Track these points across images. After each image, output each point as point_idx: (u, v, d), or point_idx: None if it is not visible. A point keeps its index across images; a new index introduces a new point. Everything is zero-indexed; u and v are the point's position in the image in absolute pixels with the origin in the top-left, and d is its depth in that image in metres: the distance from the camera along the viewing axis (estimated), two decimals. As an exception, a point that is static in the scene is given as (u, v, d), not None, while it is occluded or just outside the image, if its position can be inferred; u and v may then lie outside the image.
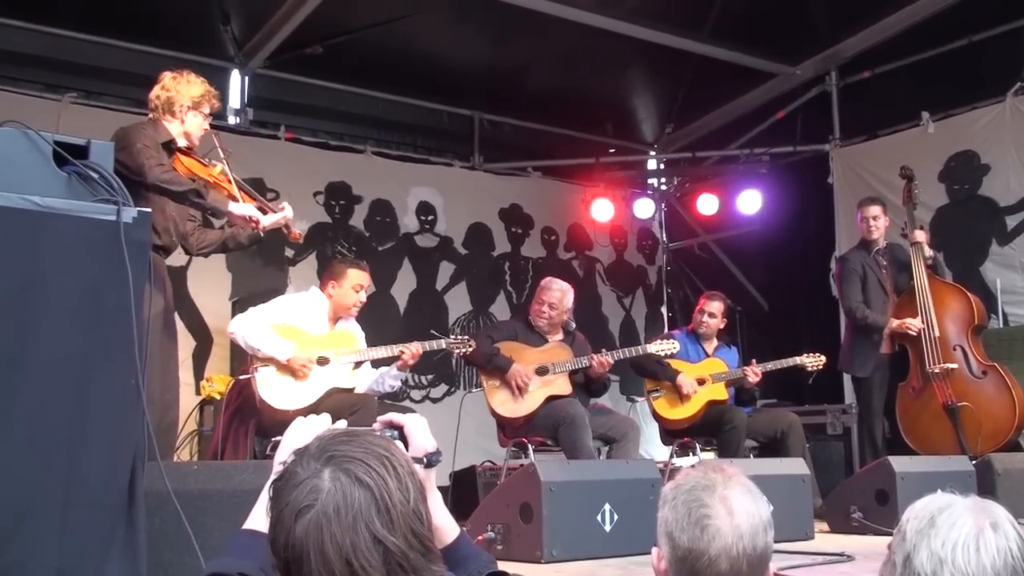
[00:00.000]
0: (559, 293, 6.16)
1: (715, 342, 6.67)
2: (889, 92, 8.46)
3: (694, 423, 6.32)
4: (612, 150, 10.07)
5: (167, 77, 4.48)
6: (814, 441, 7.14)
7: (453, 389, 8.72)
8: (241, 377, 5.06)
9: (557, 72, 8.78)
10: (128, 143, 4.09)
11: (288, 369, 4.93)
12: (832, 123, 8.90)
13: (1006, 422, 6.07)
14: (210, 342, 7.59)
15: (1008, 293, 7.47)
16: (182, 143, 4.43)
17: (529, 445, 5.80)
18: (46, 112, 6.81)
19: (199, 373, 7.43)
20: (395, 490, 1.38)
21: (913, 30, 7.89)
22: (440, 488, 1.87)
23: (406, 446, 1.75)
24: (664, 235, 10.78)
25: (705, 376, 6.39)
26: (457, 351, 5.62)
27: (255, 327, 4.96)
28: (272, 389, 4.89)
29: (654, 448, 7.70)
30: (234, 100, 8.13)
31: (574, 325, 6.27)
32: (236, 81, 8.12)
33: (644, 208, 10.25)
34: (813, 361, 6.49)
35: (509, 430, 5.99)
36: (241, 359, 5.46)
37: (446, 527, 1.81)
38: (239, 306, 6.56)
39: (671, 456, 6.49)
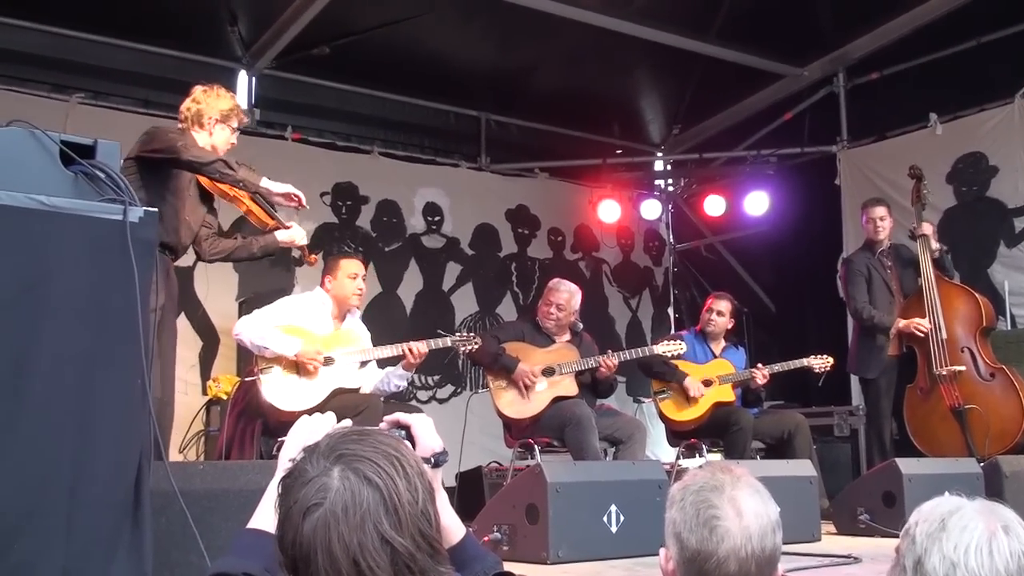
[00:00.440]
0: (567, 294, 6.16)
1: (722, 343, 6.66)
2: (897, 93, 8.44)
3: (701, 424, 6.31)
4: (619, 151, 10.06)
5: (198, 90, 4.59)
6: (821, 443, 7.13)
7: (459, 390, 8.71)
8: (247, 378, 5.07)
9: (564, 73, 8.78)
10: (160, 133, 4.28)
11: (293, 368, 4.93)
12: (840, 124, 8.87)
13: (1014, 424, 6.05)
14: (217, 342, 7.60)
15: (1016, 295, 7.45)
16: None
17: (535, 446, 5.80)
18: (54, 112, 6.81)
19: (206, 373, 7.44)
20: (404, 490, 1.38)
21: (921, 31, 7.88)
22: (446, 489, 1.87)
23: (413, 446, 1.74)
24: (671, 236, 10.77)
25: (712, 378, 6.38)
26: (463, 348, 5.61)
27: (260, 327, 4.96)
28: (277, 390, 4.89)
29: (661, 449, 7.69)
30: (241, 101, 8.10)
31: (581, 326, 6.27)
32: (243, 81, 8.12)
33: (651, 209, 10.24)
34: (821, 363, 6.47)
35: (515, 431, 5.99)
36: (248, 359, 5.46)
37: (452, 527, 1.81)
38: (246, 307, 6.57)
39: (678, 457, 6.49)
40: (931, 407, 6.30)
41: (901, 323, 6.35)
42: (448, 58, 8.31)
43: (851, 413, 7.70)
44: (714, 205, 9.80)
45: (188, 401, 6.68)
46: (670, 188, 10.80)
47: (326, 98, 8.60)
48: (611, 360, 5.97)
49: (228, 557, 1.69)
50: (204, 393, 7.04)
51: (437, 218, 9.05)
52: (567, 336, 6.19)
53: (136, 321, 2.38)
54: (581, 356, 6.04)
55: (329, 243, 8.26)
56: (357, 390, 5.13)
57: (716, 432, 6.29)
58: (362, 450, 1.41)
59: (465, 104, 9.26)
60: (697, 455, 6.36)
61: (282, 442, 1.79)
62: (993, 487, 5.22)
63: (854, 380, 7.55)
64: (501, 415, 5.99)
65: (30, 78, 7.17)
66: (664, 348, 6.18)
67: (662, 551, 1.75)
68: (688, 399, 6.33)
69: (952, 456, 5.85)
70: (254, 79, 8.15)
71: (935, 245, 6.42)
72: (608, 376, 6.08)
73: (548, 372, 5.93)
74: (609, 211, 9.73)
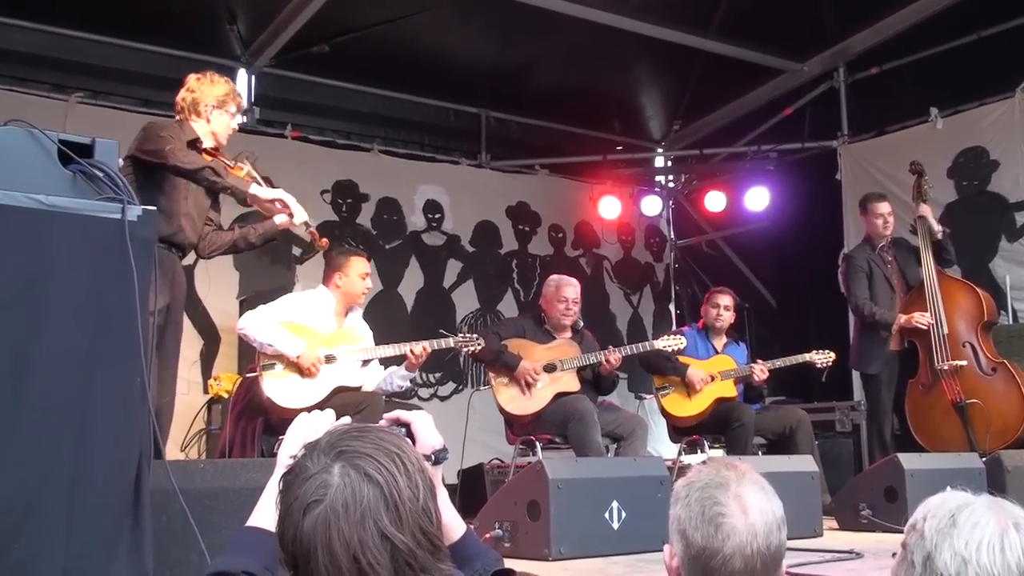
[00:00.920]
0: (576, 289, 6.18)
1: (724, 339, 6.66)
2: (897, 88, 8.43)
3: (702, 420, 6.31)
4: (619, 147, 10.05)
5: (192, 79, 4.54)
6: (823, 438, 7.12)
7: (461, 387, 8.71)
8: (248, 375, 5.07)
9: (564, 69, 8.77)
10: (151, 133, 4.18)
11: (295, 367, 4.93)
12: (840, 119, 8.87)
13: (1016, 419, 6.04)
14: (218, 341, 7.60)
15: (1017, 289, 7.44)
16: (209, 143, 4.44)
17: (537, 443, 5.80)
18: (53, 112, 6.82)
19: (207, 372, 7.45)
20: (404, 487, 1.38)
21: (921, 25, 7.86)
22: (448, 486, 1.87)
23: (413, 443, 1.74)
24: (672, 232, 10.77)
25: (713, 373, 6.37)
26: (465, 349, 5.60)
27: (265, 324, 4.96)
28: (279, 387, 4.89)
29: (662, 445, 7.70)
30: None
31: (582, 323, 6.26)
32: (243, 80, 8.10)
33: (651, 205, 10.24)
34: (823, 358, 6.46)
35: (517, 427, 5.99)
36: (249, 357, 5.46)
37: (453, 525, 1.81)
38: (246, 305, 6.57)
39: (679, 453, 6.50)
40: (932, 402, 6.29)
41: (902, 319, 6.34)
42: (448, 55, 8.30)
43: (853, 408, 7.69)
44: (715, 201, 9.80)
45: (189, 400, 6.68)
46: (671, 184, 10.80)
47: (326, 96, 8.59)
48: (615, 355, 5.97)
49: (227, 555, 1.69)
50: (205, 391, 7.04)
51: (437, 215, 9.05)
52: (568, 333, 6.18)
53: (135, 320, 2.37)
54: (582, 352, 6.04)
55: (330, 241, 8.23)
56: (359, 388, 5.13)
57: (718, 428, 6.29)
58: (363, 447, 1.41)
59: (465, 101, 9.25)
60: (699, 451, 6.36)
61: (282, 439, 1.78)
62: (995, 482, 5.20)
63: (855, 375, 7.54)
64: (503, 411, 5.99)
65: (30, 78, 7.17)
66: (664, 343, 6.18)
67: (666, 548, 1.74)
68: (690, 394, 6.32)
69: (954, 451, 5.83)
70: (253, 77, 8.15)
71: (936, 227, 6.40)
72: (610, 372, 6.08)
73: (550, 368, 5.93)
74: (610, 207, 9.73)
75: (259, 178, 4.44)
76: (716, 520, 1.64)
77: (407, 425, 1.81)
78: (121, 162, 2.75)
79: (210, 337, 7.60)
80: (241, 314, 5.80)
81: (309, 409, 1.83)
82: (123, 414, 2.37)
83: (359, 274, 5.28)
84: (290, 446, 1.70)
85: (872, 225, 6.58)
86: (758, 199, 9.37)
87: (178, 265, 4.49)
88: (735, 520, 1.64)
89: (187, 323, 7.12)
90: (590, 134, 9.71)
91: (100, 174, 2.45)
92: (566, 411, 5.73)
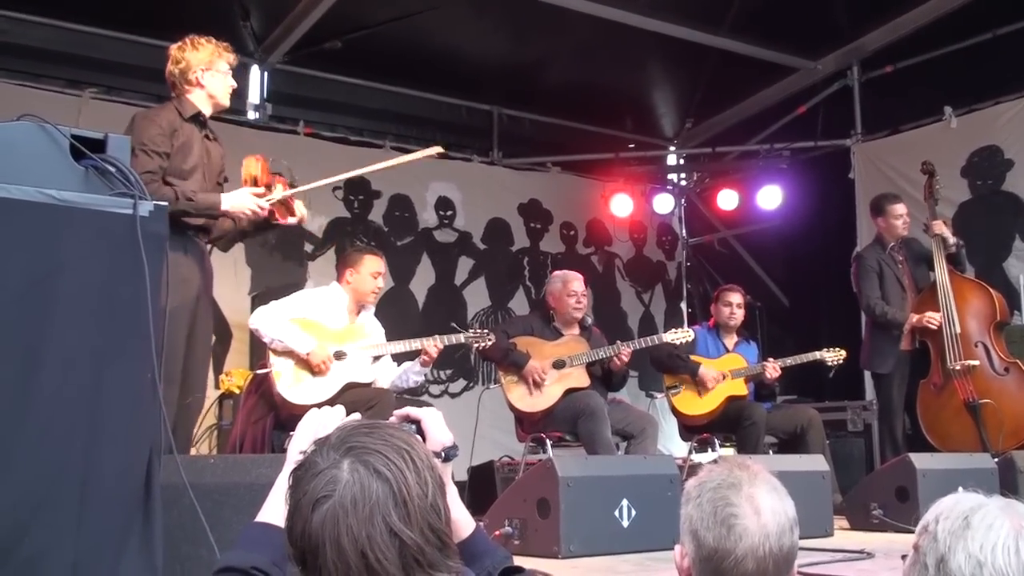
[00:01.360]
0: (582, 282, 6.21)
1: (735, 337, 6.64)
2: (911, 87, 8.39)
3: (713, 419, 6.30)
4: (632, 145, 10.03)
5: (173, 49, 4.40)
6: (834, 438, 7.09)
7: (472, 384, 8.71)
8: (259, 371, 5.07)
9: (576, 67, 8.75)
10: (133, 143, 3.91)
11: (305, 363, 4.93)
12: (854, 118, 8.83)
13: (1029, 419, 6.01)
14: (229, 336, 7.61)
15: (1031, 289, 7.40)
16: (209, 109, 4.38)
17: (547, 440, 5.80)
18: (67, 107, 6.84)
19: (218, 367, 7.44)
20: (413, 483, 1.38)
21: (936, 24, 7.83)
22: (458, 483, 1.86)
23: (423, 440, 1.74)
24: (684, 230, 10.75)
25: (724, 372, 6.36)
26: (476, 345, 5.60)
27: (277, 320, 4.97)
28: (289, 383, 4.90)
29: (673, 444, 7.68)
30: (253, 95, 8.15)
31: (591, 320, 6.27)
32: (255, 76, 8.13)
33: (664, 203, 10.22)
34: (833, 355, 6.45)
35: (527, 425, 5.99)
36: (260, 353, 5.47)
37: (462, 522, 1.81)
38: (258, 301, 6.58)
39: (690, 452, 6.48)
40: (944, 402, 6.25)
41: (914, 318, 6.31)
42: (460, 52, 8.30)
43: (864, 408, 7.66)
44: (727, 199, 9.78)
45: (200, 395, 6.69)
46: (683, 182, 10.77)
47: (338, 93, 8.59)
48: (626, 349, 5.96)
49: (236, 550, 1.69)
50: (216, 387, 7.05)
51: (449, 212, 9.05)
52: (576, 329, 6.18)
53: (147, 315, 2.38)
54: (591, 348, 6.03)
55: (342, 237, 8.26)
56: (369, 384, 5.14)
57: (728, 427, 6.27)
58: (372, 443, 1.41)
59: (477, 98, 9.25)
60: (709, 450, 6.35)
61: (292, 435, 1.78)
62: (1007, 482, 5.18)
63: (867, 375, 7.51)
64: (513, 408, 5.99)
65: (44, 73, 7.18)
66: (673, 336, 6.21)
67: (677, 548, 1.73)
68: (701, 393, 6.31)
69: (966, 451, 5.79)
70: (266, 74, 8.16)
71: (951, 240, 6.37)
72: (621, 368, 6.07)
73: (559, 364, 5.93)
74: (622, 205, 9.71)
75: (285, 202, 4.47)
76: (728, 521, 1.63)
77: (417, 422, 1.81)
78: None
79: (221, 333, 7.60)
80: (253, 310, 5.81)
81: (319, 405, 1.83)
82: (134, 409, 2.37)
83: (371, 272, 5.28)
84: (300, 442, 1.70)
85: (890, 226, 6.52)
86: (771, 198, 9.35)
87: (206, 251, 4.41)
88: (747, 522, 1.62)
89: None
90: (602, 131, 9.69)
91: (112, 169, 2.46)
92: (576, 407, 5.73)
